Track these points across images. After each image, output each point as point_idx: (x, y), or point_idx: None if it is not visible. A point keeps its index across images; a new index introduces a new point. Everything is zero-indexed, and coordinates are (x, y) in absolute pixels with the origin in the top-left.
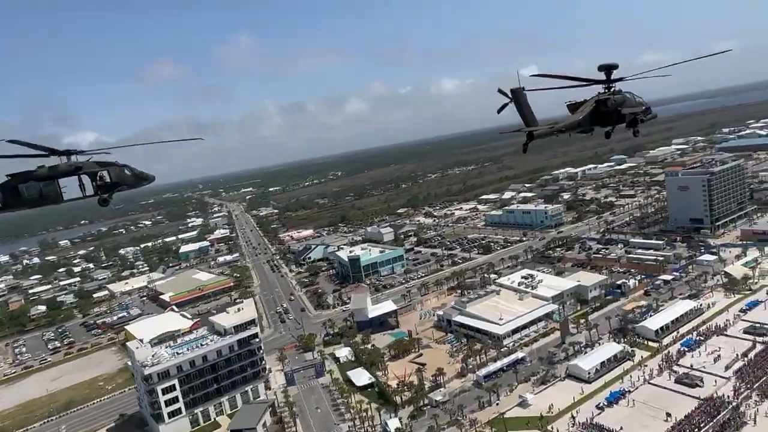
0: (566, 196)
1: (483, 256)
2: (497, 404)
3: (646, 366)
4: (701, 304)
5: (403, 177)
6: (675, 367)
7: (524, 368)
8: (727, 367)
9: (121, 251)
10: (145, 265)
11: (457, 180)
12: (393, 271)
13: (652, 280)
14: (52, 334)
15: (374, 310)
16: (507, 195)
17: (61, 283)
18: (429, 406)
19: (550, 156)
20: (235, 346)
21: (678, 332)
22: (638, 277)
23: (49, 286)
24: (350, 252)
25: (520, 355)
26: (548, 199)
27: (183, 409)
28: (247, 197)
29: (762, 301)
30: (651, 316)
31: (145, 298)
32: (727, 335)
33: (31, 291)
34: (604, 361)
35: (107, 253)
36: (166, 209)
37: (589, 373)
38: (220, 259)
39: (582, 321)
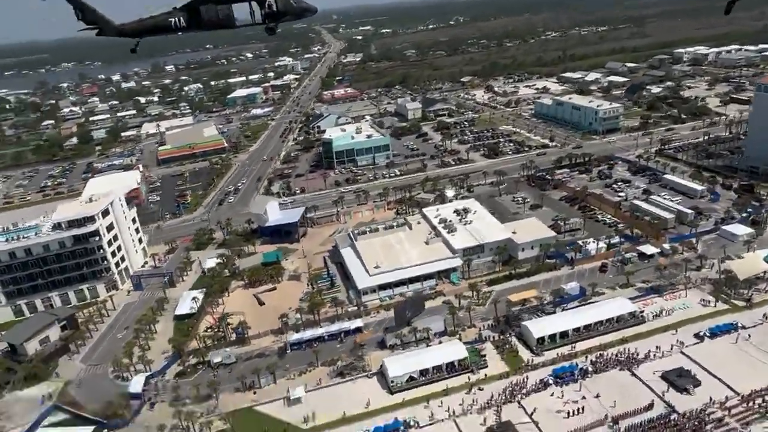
0: (656, 89)
1: (488, 160)
2: (255, 392)
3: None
4: (644, 311)
5: (515, 32)
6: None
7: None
8: None
9: (186, 88)
10: (188, 107)
11: (567, 45)
12: (374, 161)
13: (631, 247)
14: (56, 172)
15: (274, 219)
16: (591, 76)
17: (119, 114)
18: (207, 366)
19: (710, 25)
20: (67, 243)
21: (573, 348)
22: (618, 238)
23: (108, 116)
24: (334, 131)
25: (355, 324)
26: (632, 90)
27: (2, 298)
28: (355, 37)
29: (741, 328)
30: (552, 311)
31: (156, 146)
32: (635, 375)
33: (92, 118)
34: (428, 369)
35: (176, 93)
36: (275, 42)
37: (393, 382)
38: (255, 110)
39: (471, 295)
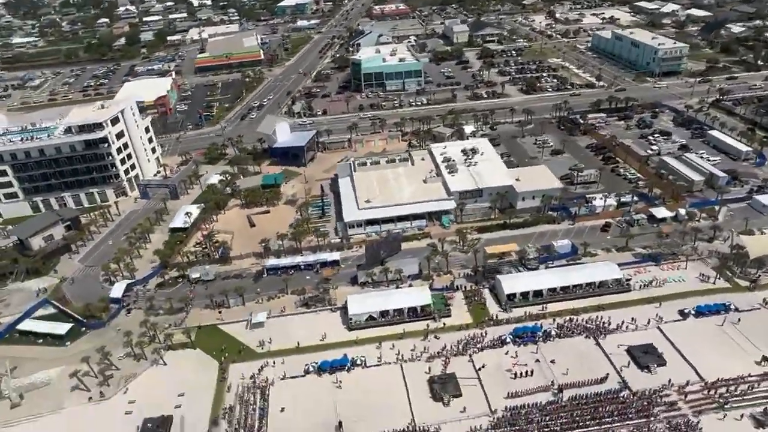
0: (738, 28)
1: (523, 96)
2: (220, 311)
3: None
4: (630, 279)
5: None
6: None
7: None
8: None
9: None
10: (237, 14)
11: None
12: (404, 87)
13: (644, 208)
14: (101, 72)
15: (283, 140)
16: (669, 7)
17: (170, 16)
18: (186, 281)
19: None
20: (78, 147)
21: (545, 308)
22: (630, 197)
23: (160, 17)
24: (367, 52)
25: (332, 257)
26: (709, 29)
27: (20, 194)
28: None
29: (734, 310)
30: (535, 267)
31: (197, 52)
32: (599, 344)
33: (145, 19)
34: (388, 311)
35: None
36: None
37: (351, 319)
38: (301, 22)
39: (457, 241)
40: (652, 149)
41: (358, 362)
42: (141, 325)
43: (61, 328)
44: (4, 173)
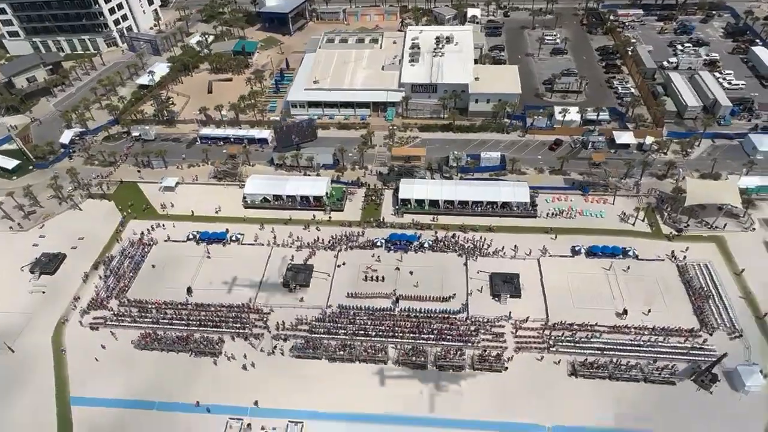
0: None
1: None
2: (139, 170)
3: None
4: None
5: None
6: None
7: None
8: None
9: None
10: None
11: None
12: None
13: (606, 129)
14: None
15: (271, 4)
16: None
17: None
18: (130, 137)
19: None
20: None
21: (435, 219)
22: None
23: None
24: None
25: (262, 135)
26: None
27: (21, 33)
28: None
29: (633, 257)
30: (449, 176)
31: None
32: (465, 264)
33: None
34: (281, 196)
35: None
36: None
37: (245, 198)
38: None
39: (387, 136)
40: (669, 61)
41: (234, 238)
42: (68, 172)
43: (11, 163)
44: (3, 11)
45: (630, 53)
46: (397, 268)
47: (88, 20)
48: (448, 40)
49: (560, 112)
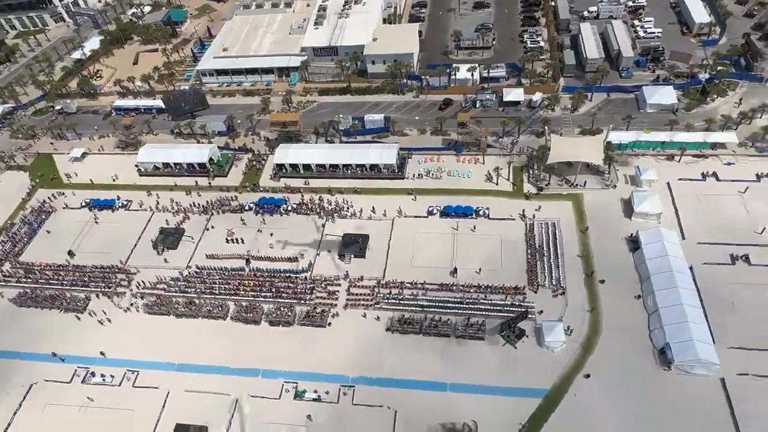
0: None
1: None
2: (52, 142)
3: None
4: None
5: None
6: None
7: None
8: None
9: None
10: None
11: None
12: None
13: (498, 87)
14: None
15: None
16: None
17: None
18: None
19: None
20: None
21: (307, 183)
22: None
23: None
24: None
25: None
26: None
27: None
28: None
29: (483, 216)
30: (330, 140)
31: None
32: (323, 226)
33: None
34: (169, 164)
35: None
36: None
37: (137, 166)
38: None
39: (284, 101)
40: (589, 10)
41: (123, 204)
42: None
43: None
44: None
45: (552, 3)
46: (259, 230)
47: None
48: (356, 1)
49: (450, 71)
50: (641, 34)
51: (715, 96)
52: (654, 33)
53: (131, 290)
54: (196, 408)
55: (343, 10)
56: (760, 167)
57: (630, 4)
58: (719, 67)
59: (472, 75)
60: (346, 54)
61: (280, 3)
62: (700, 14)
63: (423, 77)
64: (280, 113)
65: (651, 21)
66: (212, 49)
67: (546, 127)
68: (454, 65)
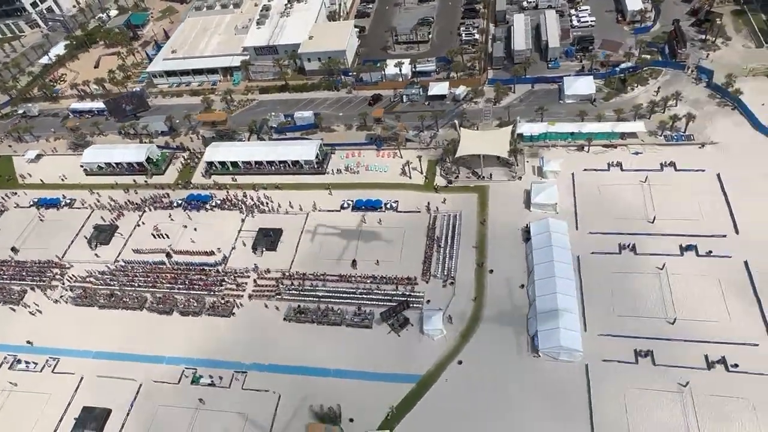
0: None
1: None
2: (10, 145)
3: None
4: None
5: None
6: None
7: None
8: None
9: None
10: None
11: None
12: None
13: (424, 82)
14: None
15: None
16: None
17: None
18: (18, 114)
19: None
20: None
21: (234, 180)
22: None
23: None
24: None
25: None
26: None
27: None
28: None
29: (391, 209)
30: (262, 137)
31: None
32: (242, 221)
33: None
34: (111, 163)
35: None
36: None
37: (82, 166)
38: None
39: (227, 100)
40: (528, 1)
41: (66, 203)
42: None
43: None
44: None
45: None
46: (185, 226)
47: (7, 5)
48: (298, 0)
49: (378, 65)
50: (575, 23)
51: (636, 85)
52: (588, 22)
53: (63, 283)
54: (104, 392)
55: (285, 10)
56: (667, 156)
57: None
58: (643, 56)
59: (400, 70)
60: (286, 52)
61: (229, 4)
62: (634, 1)
63: (352, 73)
64: (209, 113)
65: (587, 10)
66: (164, 51)
67: (456, 121)
68: (380, 62)
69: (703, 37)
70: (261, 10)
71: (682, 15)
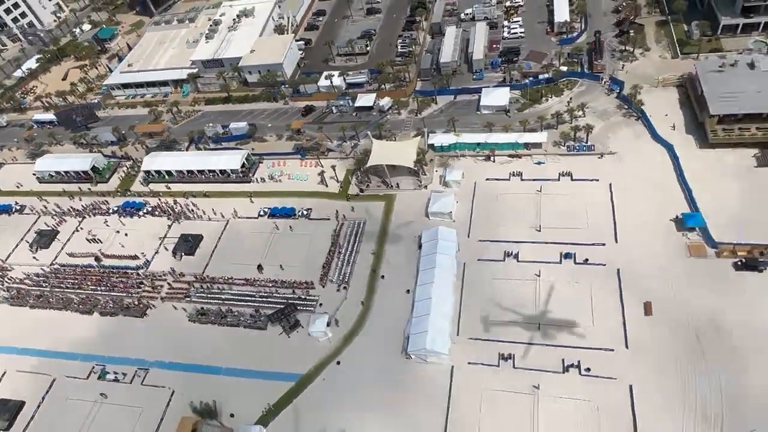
0: None
1: None
2: None
3: None
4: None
5: None
6: None
7: None
8: None
9: None
10: None
11: None
12: None
13: (352, 93)
14: None
15: None
16: None
17: None
18: None
19: None
20: None
21: (168, 188)
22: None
23: None
24: None
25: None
26: None
27: None
28: None
29: (303, 216)
30: (201, 147)
31: None
32: (169, 227)
33: None
34: (60, 171)
35: None
36: None
37: (35, 174)
38: None
39: (173, 112)
40: (466, 13)
41: (16, 209)
42: None
43: None
44: None
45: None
46: (117, 231)
47: None
48: (246, 13)
49: (311, 76)
50: (506, 35)
51: (551, 96)
52: (517, 33)
53: (1, 284)
54: (22, 386)
55: (233, 24)
56: (566, 166)
57: (508, 4)
58: (560, 68)
59: (331, 82)
60: (231, 65)
61: (185, 19)
62: (562, 13)
63: (286, 86)
64: (148, 124)
65: (518, 21)
66: (122, 64)
67: (369, 132)
68: (318, 73)
69: (624, 48)
70: (211, 25)
71: (610, 26)
